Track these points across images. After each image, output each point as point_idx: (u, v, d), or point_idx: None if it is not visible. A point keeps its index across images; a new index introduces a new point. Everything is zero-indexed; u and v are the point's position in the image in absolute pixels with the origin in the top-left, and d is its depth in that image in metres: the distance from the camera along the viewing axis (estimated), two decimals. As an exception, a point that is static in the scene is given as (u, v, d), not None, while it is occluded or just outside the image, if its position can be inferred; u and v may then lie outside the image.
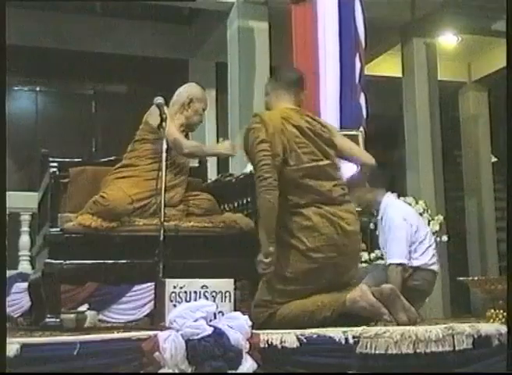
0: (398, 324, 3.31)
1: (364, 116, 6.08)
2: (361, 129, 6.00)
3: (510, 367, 3.03)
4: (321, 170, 3.55)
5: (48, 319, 3.48)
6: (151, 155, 3.94)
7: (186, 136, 4.06)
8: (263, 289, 3.52)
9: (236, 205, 4.09)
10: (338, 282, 3.49)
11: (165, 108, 3.76)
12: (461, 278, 4.02)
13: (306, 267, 3.43)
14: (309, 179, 3.49)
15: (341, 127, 6.06)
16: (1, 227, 3.05)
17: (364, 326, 3.07)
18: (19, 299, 5.56)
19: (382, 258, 4.86)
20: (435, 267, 4.62)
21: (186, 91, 4.15)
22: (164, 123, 3.76)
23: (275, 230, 3.42)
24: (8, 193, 6.68)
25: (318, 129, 3.67)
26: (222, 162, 8.61)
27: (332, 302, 3.40)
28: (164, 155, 3.57)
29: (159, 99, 3.89)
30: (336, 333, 2.99)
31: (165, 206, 3.46)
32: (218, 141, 9.43)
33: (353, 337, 2.98)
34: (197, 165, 4.56)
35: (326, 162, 3.58)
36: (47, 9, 8.51)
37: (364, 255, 4.96)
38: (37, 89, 9.20)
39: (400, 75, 8.53)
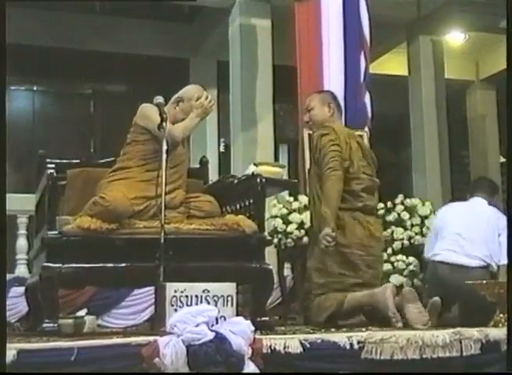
0: (411, 325, 3.64)
1: (369, 115, 6.09)
2: (366, 129, 6.00)
3: (510, 367, 3.03)
4: (372, 185, 4.33)
5: (45, 325, 3.46)
6: (143, 156, 3.94)
7: None
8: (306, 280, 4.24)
9: (238, 206, 4.08)
10: (366, 281, 4.09)
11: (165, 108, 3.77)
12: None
13: (338, 260, 4.08)
14: (363, 191, 4.21)
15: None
16: (0, 230, 3.05)
17: (370, 332, 3.07)
18: (16, 304, 5.55)
19: (388, 261, 4.86)
20: None
21: (183, 90, 4.17)
22: (164, 123, 3.76)
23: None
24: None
25: (370, 151, 4.50)
26: (224, 163, 8.63)
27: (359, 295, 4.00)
28: (164, 156, 3.57)
29: (159, 99, 3.90)
30: (340, 338, 2.99)
31: (165, 208, 3.46)
32: (219, 143, 9.45)
33: (358, 342, 2.98)
34: (197, 166, 4.56)
35: (375, 180, 4.37)
36: (44, 8, 8.51)
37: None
38: (35, 88, 9.21)
39: (405, 73, 8.53)
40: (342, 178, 4.09)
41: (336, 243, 3.99)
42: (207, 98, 4.06)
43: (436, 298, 4.14)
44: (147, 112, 3.96)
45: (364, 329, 3.44)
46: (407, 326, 3.66)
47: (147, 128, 3.93)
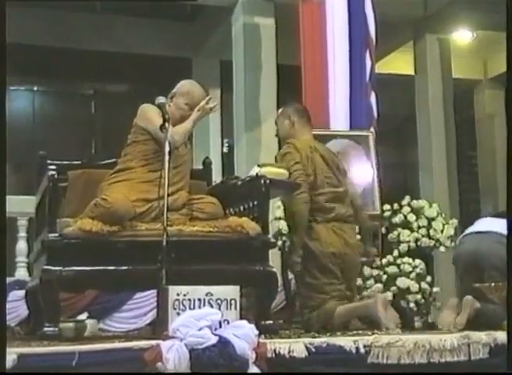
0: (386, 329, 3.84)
1: (375, 115, 6.08)
2: (372, 129, 6.00)
3: (510, 367, 3.03)
4: (339, 195, 4.42)
5: (46, 328, 3.46)
6: (145, 157, 3.94)
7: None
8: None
9: (241, 208, 4.08)
10: (345, 287, 4.28)
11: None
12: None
13: (319, 270, 4.24)
14: (330, 202, 4.35)
15: (351, 127, 6.07)
16: (0, 234, 3.05)
17: (376, 335, 3.07)
18: (16, 307, 5.55)
19: (394, 263, 4.86)
20: None
21: (177, 85, 4.17)
22: (167, 124, 3.76)
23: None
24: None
25: (335, 160, 4.58)
26: (228, 164, 8.63)
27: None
28: (167, 157, 3.57)
29: (161, 99, 3.90)
30: (346, 342, 2.99)
31: (167, 210, 3.46)
32: (222, 144, 9.46)
33: (364, 346, 2.97)
34: (200, 167, 4.56)
35: (341, 189, 4.45)
36: (45, 7, 8.53)
37: (376, 261, 4.95)
38: (35, 89, 9.24)
39: (412, 73, 8.53)
40: (308, 200, 4.27)
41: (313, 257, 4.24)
42: (208, 101, 4.04)
43: (468, 297, 4.14)
44: (147, 113, 3.96)
45: (370, 333, 3.43)
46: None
47: (147, 129, 3.93)
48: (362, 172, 5.86)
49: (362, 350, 2.97)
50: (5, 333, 2.83)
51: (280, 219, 5.19)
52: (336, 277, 4.25)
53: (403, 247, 5.36)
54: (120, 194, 3.73)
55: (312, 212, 4.27)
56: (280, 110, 4.76)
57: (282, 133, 4.63)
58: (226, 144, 9.50)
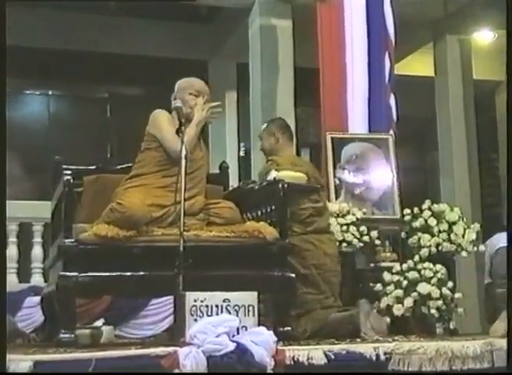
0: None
1: (395, 118, 6.07)
2: (391, 132, 5.99)
3: (510, 367, 3.01)
4: (319, 210, 4.65)
5: (62, 335, 3.47)
6: (158, 163, 3.97)
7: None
8: None
9: (259, 213, 4.08)
10: (327, 296, 4.47)
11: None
12: (500, 290, 3.99)
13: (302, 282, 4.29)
14: (310, 217, 4.55)
15: (370, 130, 6.06)
16: (0, 238, 3.08)
17: (397, 342, 3.06)
18: (31, 314, 5.59)
19: (415, 269, 4.83)
20: None
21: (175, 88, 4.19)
22: (183, 128, 3.79)
23: None
24: (19, 202, 6.77)
25: (316, 174, 4.88)
26: (244, 168, 8.64)
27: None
28: (183, 161, 3.59)
29: (177, 103, 3.93)
30: (366, 349, 2.98)
31: (184, 215, 3.47)
32: (239, 148, 9.46)
33: (385, 354, 2.97)
34: (217, 171, 4.58)
35: (321, 204, 4.69)
36: (59, 9, 8.59)
37: (396, 266, 4.93)
38: (50, 93, 9.29)
39: (432, 74, 8.50)
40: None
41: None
42: (205, 103, 4.07)
43: None
44: (157, 121, 4.01)
45: (390, 339, 3.42)
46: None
47: (157, 138, 3.96)
48: (381, 175, 5.85)
49: (382, 357, 2.96)
50: (5, 333, 2.85)
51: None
52: (317, 287, 4.44)
53: (424, 252, 5.33)
54: (136, 198, 3.75)
55: (291, 225, 4.32)
56: (264, 126, 5.06)
57: (267, 149, 4.94)
58: (243, 148, 9.50)
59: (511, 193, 3.48)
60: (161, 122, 3.99)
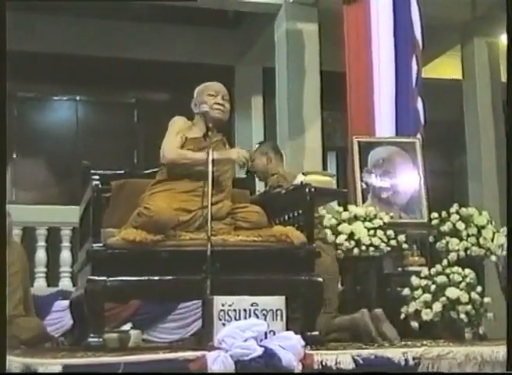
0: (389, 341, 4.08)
1: (422, 122, 6.04)
2: (419, 136, 5.96)
3: (510, 367, 2.98)
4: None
5: (90, 339, 3.49)
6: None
7: (207, 133, 3.96)
8: None
9: (286, 217, 4.08)
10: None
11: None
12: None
13: None
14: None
15: (397, 134, 6.04)
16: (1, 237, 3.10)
17: (426, 347, 3.04)
18: (60, 318, 5.64)
19: (443, 273, 4.80)
20: None
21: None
22: (210, 132, 3.81)
23: None
24: (48, 207, 6.84)
25: None
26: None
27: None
28: (210, 166, 3.61)
29: (204, 107, 3.95)
30: (395, 353, 2.97)
31: (211, 219, 3.49)
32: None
33: (414, 359, 2.96)
34: (244, 176, 4.59)
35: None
36: (86, 16, 8.67)
37: (424, 270, 4.90)
38: (77, 98, 9.36)
39: (460, 77, 8.44)
40: None
41: None
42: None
43: None
44: (169, 128, 4.05)
45: (419, 344, 3.40)
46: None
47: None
48: (408, 179, 5.82)
49: (411, 362, 2.95)
50: (5, 333, 2.88)
51: (325, 228, 5.18)
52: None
53: (453, 256, 5.30)
54: (163, 202, 3.77)
55: None
56: (257, 147, 5.21)
57: (260, 168, 5.03)
58: (269, 152, 9.50)
59: (511, 193, 3.45)
60: (170, 129, 4.05)
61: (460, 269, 5.02)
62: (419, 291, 4.74)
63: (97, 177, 3.78)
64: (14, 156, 8.89)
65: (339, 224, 5.14)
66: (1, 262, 3.07)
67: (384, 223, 5.19)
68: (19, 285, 4.85)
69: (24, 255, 5.03)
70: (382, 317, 4.33)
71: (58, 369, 2.69)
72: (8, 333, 4.39)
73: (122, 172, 4.33)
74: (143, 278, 3.60)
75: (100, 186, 3.74)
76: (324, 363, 2.87)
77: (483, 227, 5.45)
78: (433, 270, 4.90)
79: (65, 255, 6.58)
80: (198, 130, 4.03)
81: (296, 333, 3.04)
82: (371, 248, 5.07)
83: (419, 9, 6.11)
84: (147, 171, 4.34)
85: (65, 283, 6.46)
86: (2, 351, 2.74)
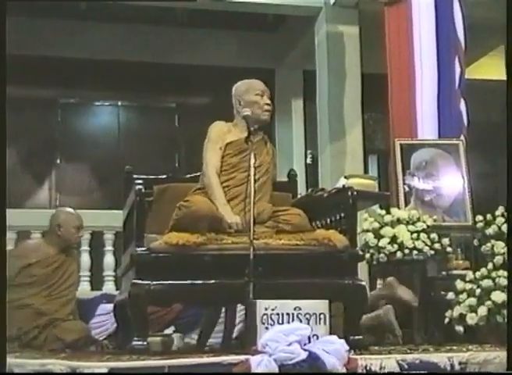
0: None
1: (465, 123, 5.97)
2: (462, 137, 5.89)
3: (510, 367, 2.92)
4: None
5: (135, 342, 3.53)
6: (223, 173, 4.00)
7: (249, 133, 3.92)
8: None
9: (328, 221, 4.07)
10: None
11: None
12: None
13: None
14: None
15: (440, 136, 5.98)
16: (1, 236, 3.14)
17: (472, 352, 3.01)
18: (104, 321, 5.67)
19: (488, 277, 4.74)
20: None
21: (233, 95, 4.20)
22: (252, 136, 3.81)
23: None
24: (91, 211, 6.92)
25: None
26: (311, 175, 8.63)
27: None
28: (252, 170, 3.62)
29: (246, 111, 3.96)
30: (440, 358, 2.94)
31: (254, 223, 3.49)
32: (306, 155, 9.46)
33: (460, 363, 2.92)
34: (285, 179, 4.58)
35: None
36: (127, 22, 8.76)
37: (469, 274, 4.84)
38: (119, 103, 9.46)
39: (503, 78, 8.33)
40: None
41: None
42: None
43: None
44: (207, 138, 4.07)
45: (464, 349, 3.37)
46: None
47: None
48: (452, 181, 5.76)
49: (457, 367, 2.92)
50: (5, 333, 2.92)
51: (368, 231, 5.15)
52: None
53: (498, 259, 5.21)
54: (202, 197, 3.81)
55: None
56: None
57: None
58: (310, 155, 9.49)
59: (511, 192, 3.40)
60: (209, 138, 4.07)
61: (505, 273, 4.95)
62: (464, 295, 4.68)
63: (139, 182, 3.83)
64: (57, 162, 9.02)
65: (381, 227, 5.10)
66: (1, 262, 3.12)
67: (427, 226, 5.13)
68: (75, 296, 4.93)
69: (79, 263, 5.13)
70: (395, 284, 4.44)
71: (104, 371, 2.71)
72: (53, 336, 4.52)
73: (164, 176, 4.37)
74: (186, 282, 3.62)
75: (143, 190, 3.77)
76: (368, 368, 2.86)
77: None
78: (478, 274, 4.83)
79: (109, 258, 6.65)
80: (238, 132, 4.04)
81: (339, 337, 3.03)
82: (415, 252, 5.01)
83: (461, 10, 6.05)
84: (190, 175, 4.37)
85: (109, 286, 6.52)
86: (2, 351, 2.78)
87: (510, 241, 3.53)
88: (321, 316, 3.08)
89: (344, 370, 2.82)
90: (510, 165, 3.52)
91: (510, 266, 3.56)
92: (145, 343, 3.54)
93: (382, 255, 5.02)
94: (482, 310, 4.55)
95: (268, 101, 4.11)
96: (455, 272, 5.19)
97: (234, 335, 5.60)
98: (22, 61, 8.54)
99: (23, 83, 8.79)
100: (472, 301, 4.62)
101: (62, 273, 4.86)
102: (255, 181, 3.69)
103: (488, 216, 5.39)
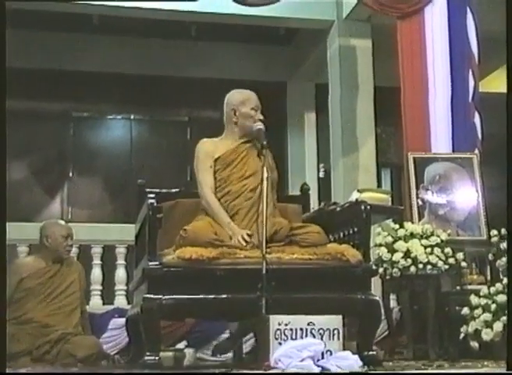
0: None
1: (480, 137, 5.96)
2: (476, 151, 5.88)
3: (510, 367, 2.89)
4: None
5: (147, 357, 3.52)
6: (218, 189, 4.00)
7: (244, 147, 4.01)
8: None
9: (341, 235, 4.05)
10: None
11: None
12: None
13: None
14: None
15: (454, 150, 5.96)
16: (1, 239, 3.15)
17: (487, 367, 2.98)
18: (116, 335, 5.68)
19: (503, 292, 4.71)
20: None
21: (226, 103, 4.20)
22: (264, 151, 3.81)
23: None
24: (103, 225, 6.92)
25: None
26: (323, 189, 8.61)
27: None
28: (265, 183, 3.61)
29: (259, 125, 3.96)
30: (455, 375, 2.92)
31: (267, 241, 3.49)
32: (318, 169, 9.44)
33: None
34: (298, 193, 4.57)
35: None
36: (139, 35, 8.81)
37: (483, 289, 4.81)
38: (132, 117, 9.50)
39: (517, 91, 8.30)
40: None
41: None
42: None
43: None
44: (195, 160, 4.12)
45: (480, 365, 3.34)
46: None
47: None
48: (466, 196, 5.74)
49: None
50: (5, 334, 2.92)
51: (381, 245, 5.14)
52: None
53: (513, 274, 5.19)
54: (202, 223, 3.84)
55: None
56: None
57: None
58: (322, 169, 9.48)
59: (511, 193, 3.37)
60: (198, 159, 4.11)
61: (521, 288, 4.92)
62: (479, 310, 4.65)
63: (152, 196, 3.82)
64: (70, 175, 9.05)
65: (394, 242, 5.09)
66: (1, 262, 3.13)
67: (441, 241, 5.12)
68: (79, 305, 4.93)
69: (83, 273, 5.11)
70: None
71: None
72: (65, 351, 4.51)
73: (177, 190, 4.37)
74: (198, 296, 3.61)
75: (155, 204, 3.77)
76: (382, 384, 2.84)
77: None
78: (493, 289, 4.81)
79: (121, 272, 6.64)
80: (225, 145, 4.06)
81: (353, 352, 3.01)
82: (429, 266, 5.00)
83: (475, 23, 6.05)
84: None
85: (121, 300, 6.51)
86: (2, 351, 2.79)
87: (510, 243, 3.50)
88: (335, 331, 3.07)
89: (358, 387, 2.81)
90: (510, 165, 3.49)
91: (510, 265, 3.52)
92: (157, 357, 3.53)
93: (395, 269, 5.01)
94: (498, 326, 4.52)
95: (261, 117, 4.11)
96: (470, 287, 5.16)
97: (245, 350, 5.60)
98: (35, 75, 8.61)
99: (36, 96, 8.86)
100: (487, 316, 4.59)
101: (58, 282, 4.85)
102: (253, 190, 3.73)
103: (503, 231, 5.37)
